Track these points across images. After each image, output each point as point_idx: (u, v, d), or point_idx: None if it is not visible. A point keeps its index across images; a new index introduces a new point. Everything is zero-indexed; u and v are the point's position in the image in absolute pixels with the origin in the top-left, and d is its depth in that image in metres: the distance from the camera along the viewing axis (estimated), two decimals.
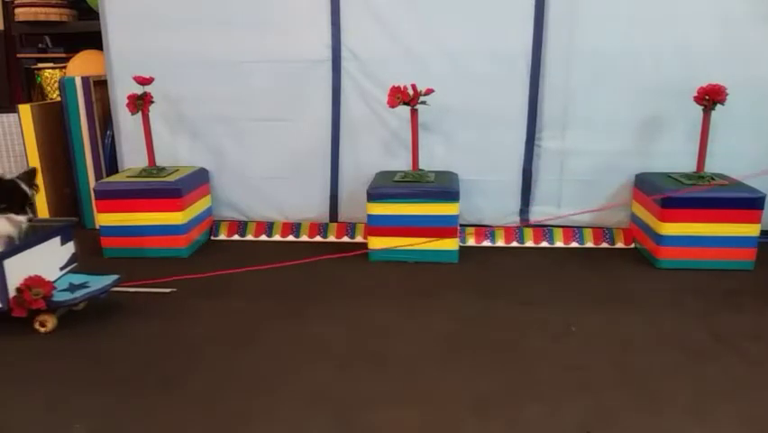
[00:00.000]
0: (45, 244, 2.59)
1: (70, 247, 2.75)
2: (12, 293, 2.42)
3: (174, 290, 2.92)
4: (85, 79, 3.73)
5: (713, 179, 3.11)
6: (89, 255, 3.40)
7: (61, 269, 2.69)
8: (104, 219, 3.37)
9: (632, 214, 3.46)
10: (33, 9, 4.39)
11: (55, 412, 1.96)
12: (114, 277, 2.72)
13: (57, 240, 2.66)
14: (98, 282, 2.65)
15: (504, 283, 2.94)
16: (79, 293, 2.54)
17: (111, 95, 3.75)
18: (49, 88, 4.60)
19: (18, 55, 4.75)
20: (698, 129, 3.14)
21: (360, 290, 2.91)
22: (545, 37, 3.35)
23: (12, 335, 2.47)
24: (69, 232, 2.75)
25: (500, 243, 3.51)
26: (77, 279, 2.68)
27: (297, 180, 3.71)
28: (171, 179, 3.39)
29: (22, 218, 2.45)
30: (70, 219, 2.83)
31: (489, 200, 3.58)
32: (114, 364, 2.26)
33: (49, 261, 2.61)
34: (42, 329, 2.48)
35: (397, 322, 2.55)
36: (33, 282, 2.44)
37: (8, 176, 2.47)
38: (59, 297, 2.50)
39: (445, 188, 3.19)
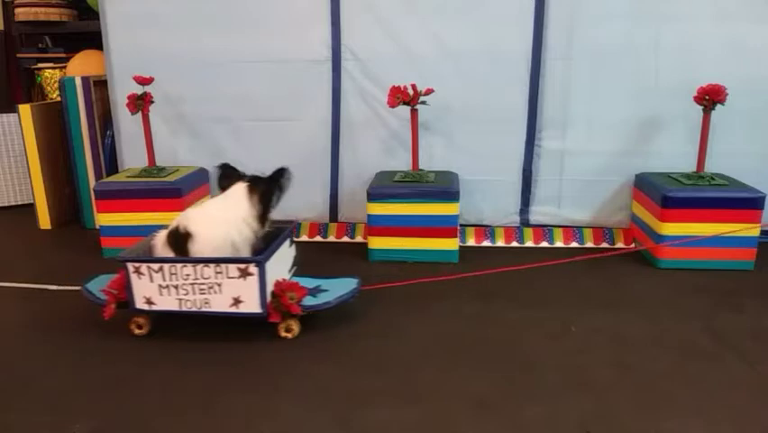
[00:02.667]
0: (283, 246, 2.51)
1: (293, 250, 2.69)
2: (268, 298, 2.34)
3: None
4: (85, 79, 3.73)
5: (713, 179, 3.11)
6: (89, 255, 3.41)
7: (288, 271, 2.62)
8: (104, 219, 3.37)
9: (632, 214, 3.46)
10: (33, 9, 4.39)
11: None
12: (355, 281, 2.60)
13: (287, 242, 2.60)
14: (336, 286, 2.54)
15: (504, 283, 2.94)
16: (328, 298, 2.45)
17: (111, 95, 3.76)
18: (49, 88, 4.60)
19: (18, 55, 4.76)
20: (698, 129, 3.14)
21: (359, 289, 2.91)
22: (545, 37, 3.35)
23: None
24: (293, 234, 2.69)
25: (500, 243, 3.51)
26: (307, 282, 2.55)
27: (297, 180, 3.68)
28: (171, 179, 3.39)
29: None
30: (292, 221, 2.72)
31: (488, 200, 3.58)
32: (115, 364, 2.26)
33: (284, 264, 2.56)
34: (289, 334, 2.40)
35: (397, 322, 2.55)
36: (289, 287, 2.39)
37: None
38: (308, 302, 2.42)
39: (445, 188, 3.19)
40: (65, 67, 4.44)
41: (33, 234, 3.87)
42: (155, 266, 2.30)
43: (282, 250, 2.50)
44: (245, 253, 2.40)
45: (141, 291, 2.34)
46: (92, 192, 3.62)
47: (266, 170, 2.58)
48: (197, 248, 2.34)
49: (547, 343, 2.35)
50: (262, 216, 2.43)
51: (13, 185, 4.43)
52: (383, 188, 3.23)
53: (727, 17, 3.22)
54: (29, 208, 4.08)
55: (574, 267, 3.14)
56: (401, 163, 3.53)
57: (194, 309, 2.33)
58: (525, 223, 3.60)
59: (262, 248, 2.43)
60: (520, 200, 3.58)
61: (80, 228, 3.92)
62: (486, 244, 3.52)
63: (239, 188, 2.47)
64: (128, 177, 3.47)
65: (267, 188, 2.46)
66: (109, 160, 3.88)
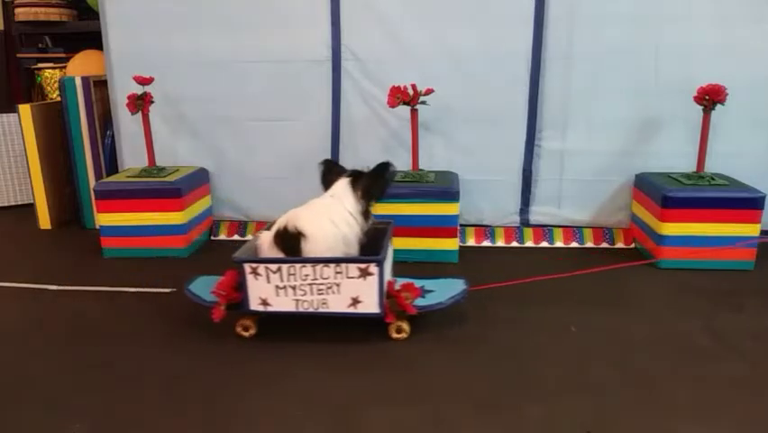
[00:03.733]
0: (390, 246, 2.47)
1: (392, 249, 2.62)
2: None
3: (174, 289, 2.92)
4: (85, 79, 3.73)
5: (713, 179, 3.11)
6: (89, 255, 3.41)
7: (390, 271, 2.57)
8: (104, 219, 3.37)
9: (632, 214, 3.46)
10: (33, 9, 4.39)
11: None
12: (461, 281, 2.55)
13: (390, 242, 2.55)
14: (442, 287, 2.49)
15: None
16: (439, 298, 2.40)
17: (111, 95, 3.76)
18: (49, 88, 4.60)
19: (18, 55, 4.76)
20: (698, 129, 3.14)
21: None
22: (545, 37, 3.35)
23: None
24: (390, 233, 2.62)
25: (500, 243, 3.51)
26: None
27: (297, 180, 3.70)
28: (171, 179, 3.39)
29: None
30: (389, 221, 2.64)
31: (488, 200, 3.58)
32: (115, 364, 2.26)
33: (389, 263, 2.50)
34: (400, 336, 2.36)
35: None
36: (405, 287, 2.36)
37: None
38: (419, 302, 2.37)
39: (445, 188, 3.19)
40: (65, 67, 4.44)
41: (33, 234, 3.87)
42: (273, 267, 2.27)
43: (390, 249, 2.47)
44: (354, 250, 2.36)
45: (256, 292, 2.32)
46: (92, 192, 3.62)
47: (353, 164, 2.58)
48: (311, 248, 2.30)
49: (547, 343, 2.35)
50: (366, 212, 2.38)
51: (13, 185, 4.43)
52: None
53: (727, 17, 3.22)
54: (29, 208, 4.08)
55: (574, 267, 3.14)
56: (401, 163, 3.53)
57: (311, 310, 2.31)
58: (525, 223, 3.60)
59: (364, 244, 2.37)
60: (520, 200, 3.58)
61: (80, 228, 3.92)
62: (486, 244, 3.52)
63: (342, 184, 2.43)
64: (128, 177, 3.47)
65: (369, 183, 2.39)
66: (109, 160, 3.88)
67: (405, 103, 3.19)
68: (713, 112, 3.08)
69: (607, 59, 3.33)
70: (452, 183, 3.27)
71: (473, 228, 3.57)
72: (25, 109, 3.77)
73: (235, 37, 3.55)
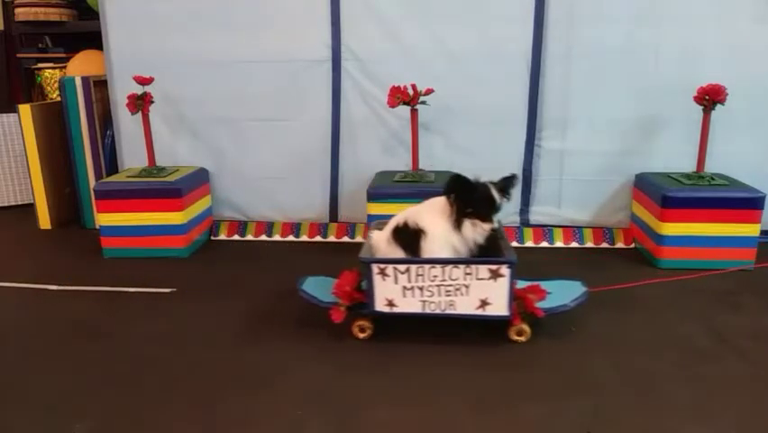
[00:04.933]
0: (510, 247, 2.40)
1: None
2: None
3: (174, 289, 2.92)
4: (85, 79, 3.73)
5: (713, 179, 3.11)
6: (89, 255, 3.41)
7: None
8: (104, 219, 3.37)
9: (632, 214, 3.46)
10: (33, 9, 4.39)
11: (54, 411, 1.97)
12: (578, 283, 2.50)
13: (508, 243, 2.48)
14: (559, 288, 2.43)
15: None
16: (562, 300, 2.36)
17: (111, 95, 3.76)
18: (49, 88, 4.60)
19: (18, 55, 4.76)
20: (698, 129, 3.14)
21: None
22: (545, 37, 3.35)
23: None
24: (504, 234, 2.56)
25: None
26: (524, 284, 2.44)
27: (297, 180, 3.71)
28: (171, 179, 3.39)
29: (486, 226, 2.28)
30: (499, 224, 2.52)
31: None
32: (115, 364, 2.26)
33: None
34: (521, 338, 2.32)
35: (398, 322, 2.54)
36: (531, 289, 2.33)
37: (482, 180, 2.30)
38: (543, 304, 2.33)
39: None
40: (65, 67, 4.44)
41: (33, 234, 3.87)
42: (402, 267, 2.24)
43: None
44: (464, 255, 2.31)
45: (383, 293, 2.28)
46: (92, 192, 3.62)
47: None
48: (429, 246, 2.28)
49: (547, 343, 2.34)
50: (457, 221, 2.29)
51: (13, 185, 4.43)
52: (383, 188, 3.23)
53: (727, 17, 3.22)
54: (29, 208, 4.08)
55: (574, 266, 3.14)
56: (401, 163, 3.53)
57: (437, 312, 2.28)
58: (525, 223, 3.60)
59: (484, 246, 2.33)
60: (520, 200, 3.58)
61: (80, 228, 3.92)
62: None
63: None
64: (128, 177, 3.47)
65: (460, 195, 2.28)
66: (109, 160, 3.88)
67: (405, 103, 3.19)
68: (713, 112, 3.08)
69: (607, 59, 3.33)
70: None
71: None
72: (25, 109, 3.77)
73: (235, 37, 3.55)
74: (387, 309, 2.30)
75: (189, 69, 3.62)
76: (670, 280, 2.82)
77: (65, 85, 3.73)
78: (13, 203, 4.44)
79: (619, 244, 3.45)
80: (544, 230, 3.54)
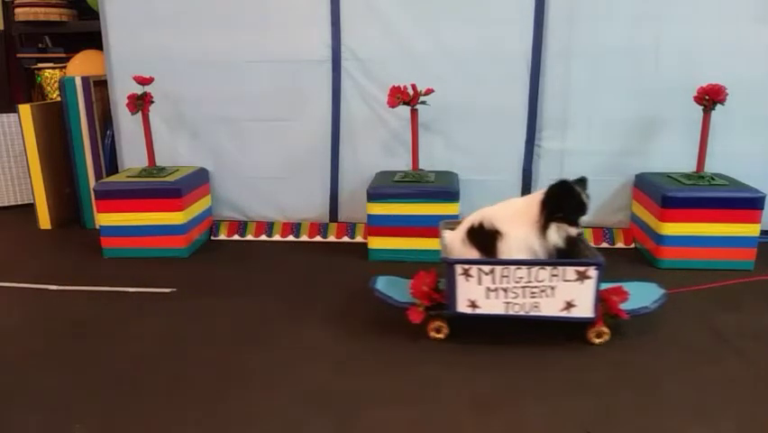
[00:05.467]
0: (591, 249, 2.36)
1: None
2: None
3: (174, 289, 2.92)
4: (85, 79, 3.73)
5: (713, 179, 3.11)
6: (89, 255, 3.41)
7: None
8: (104, 219, 3.37)
9: (632, 214, 3.46)
10: (33, 9, 4.38)
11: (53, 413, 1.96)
12: (654, 284, 2.50)
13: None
14: (635, 289, 2.38)
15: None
16: (643, 302, 2.34)
17: (111, 95, 3.76)
18: (49, 88, 4.60)
19: (18, 55, 4.75)
20: (698, 129, 3.14)
21: (359, 289, 2.90)
22: (545, 37, 3.35)
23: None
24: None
25: None
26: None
27: (297, 180, 3.71)
28: (171, 179, 3.39)
29: (573, 230, 2.26)
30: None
31: (488, 200, 3.56)
32: (115, 364, 2.26)
33: None
34: (599, 340, 2.30)
35: (398, 322, 2.55)
36: (614, 290, 2.31)
37: (570, 181, 2.27)
38: (625, 306, 2.31)
39: (445, 188, 3.20)
40: (65, 67, 4.44)
41: (33, 234, 3.87)
42: (486, 268, 2.22)
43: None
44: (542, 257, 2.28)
45: (465, 294, 2.26)
46: (92, 192, 3.62)
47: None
48: (507, 248, 2.26)
49: (547, 343, 2.34)
50: (543, 227, 2.27)
51: (13, 185, 4.43)
52: (383, 188, 3.23)
53: (727, 17, 3.22)
54: (29, 208, 4.08)
55: None
56: (401, 163, 3.53)
57: (521, 313, 2.25)
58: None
59: (565, 249, 2.31)
60: None
61: (80, 228, 3.92)
62: None
63: (538, 195, 2.33)
64: (128, 177, 3.47)
65: (548, 200, 2.26)
66: (109, 160, 3.88)
67: (405, 103, 3.19)
68: (713, 112, 3.08)
69: (607, 59, 3.33)
70: (452, 183, 3.27)
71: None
72: (25, 109, 3.76)
73: (235, 37, 3.55)
74: (469, 311, 2.27)
75: (189, 68, 3.62)
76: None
77: (65, 85, 3.73)
78: (13, 203, 4.44)
79: (619, 244, 3.45)
80: None
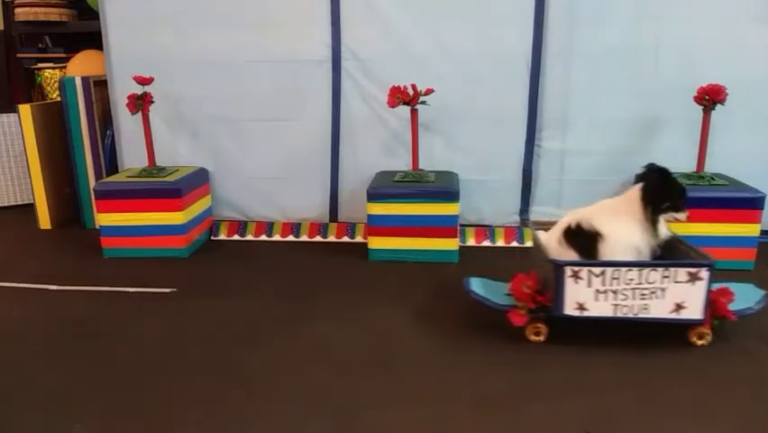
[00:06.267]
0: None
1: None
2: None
3: (174, 289, 2.92)
4: (85, 79, 3.73)
5: (713, 179, 3.11)
6: (89, 255, 3.41)
7: None
8: (104, 219, 3.37)
9: None
10: (33, 9, 4.39)
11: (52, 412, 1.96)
12: (751, 284, 2.46)
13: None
14: (738, 291, 2.33)
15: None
16: (747, 303, 2.31)
17: (111, 95, 3.76)
18: (49, 88, 4.60)
19: (18, 55, 4.75)
20: (698, 129, 3.14)
21: (360, 290, 2.91)
22: (545, 37, 3.35)
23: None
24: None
25: (500, 243, 3.51)
26: None
27: (297, 180, 3.71)
28: (171, 179, 3.39)
29: (682, 216, 2.26)
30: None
31: (489, 200, 3.58)
32: (115, 364, 2.26)
33: None
34: (702, 342, 2.28)
35: (398, 322, 2.55)
36: (722, 292, 2.27)
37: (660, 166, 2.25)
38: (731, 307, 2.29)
39: (445, 188, 3.20)
40: (65, 67, 4.44)
41: (33, 234, 3.87)
42: (596, 270, 2.20)
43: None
44: (646, 258, 2.29)
45: (574, 296, 2.23)
46: (92, 192, 3.62)
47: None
48: (609, 251, 2.25)
49: (547, 342, 2.34)
50: (653, 221, 2.28)
51: (13, 185, 4.43)
52: (383, 188, 3.23)
53: (727, 17, 3.22)
54: (29, 208, 4.08)
55: None
56: (401, 163, 3.53)
57: (629, 315, 2.23)
58: (525, 223, 3.60)
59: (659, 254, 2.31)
60: (520, 200, 3.58)
61: (80, 228, 3.92)
62: (486, 243, 3.51)
63: (636, 189, 2.33)
64: (128, 177, 3.47)
65: (651, 190, 2.27)
66: (109, 160, 3.88)
67: (405, 103, 3.19)
68: (713, 112, 3.08)
69: (607, 59, 3.33)
70: (452, 183, 3.27)
71: (473, 228, 3.57)
72: (25, 109, 3.76)
73: (235, 37, 3.55)
74: (577, 313, 2.25)
75: (189, 68, 3.62)
76: None
77: (65, 85, 3.73)
78: (13, 203, 4.44)
79: None
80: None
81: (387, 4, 3.42)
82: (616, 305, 2.23)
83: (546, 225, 2.50)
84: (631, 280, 2.19)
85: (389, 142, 3.58)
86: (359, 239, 3.59)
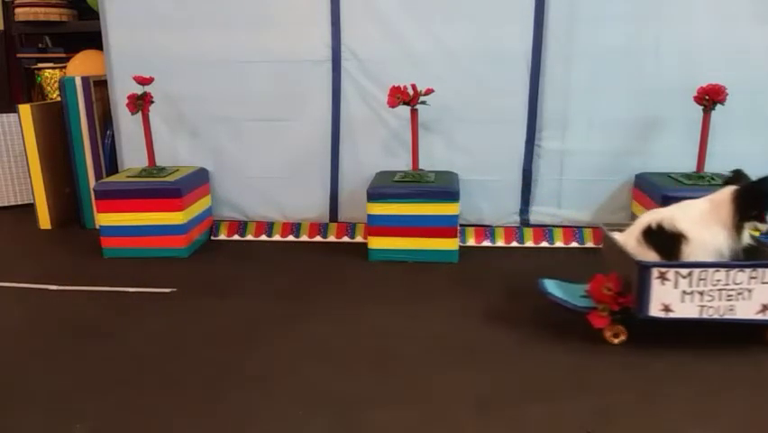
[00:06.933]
0: None
1: None
2: None
3: (174, 289, 2.92)
4: (85, 79, 3.73)
5: (713, 179, 3.11)
6: (89, 255, 3.41)
7: None
8: (104, 219, 3.37)
9: (632, 214, 3.46)
10: (33, 9, 4.39)
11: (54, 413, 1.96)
12: None
13: None
14: None
15: (504, 283, 2.94)
16: None
17: (111, 95, 3.76)
18: (49, 88, 4.60)
19: (18, 55, 4.75)
20: (698, 129, 3.14)
21: (360, 290, 2.91)
22: (545, 37, 3.35)
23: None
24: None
25: (500, 243, 3.51)
26: None
27: (297, 180, 3.71)
28: (171, 179, 3.39)
29: (763, 226, 2.23)
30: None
31: (489, 200, 3.58)
32: (115, 364, 2.26)
33: None
34: None
35: (398, 322, 2.55)
36: None
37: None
38: None
39: (445, 188, 3.20)
40: (65, 67, 4.44)
41: (33, 234, 3.87)
42: (684, 271, 2.18)
43: None
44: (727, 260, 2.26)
45: (660, 298, 2.21)
46: (92, 192, 3.62)
47: None
48: (691, 252, 2.22)
49: (548, 342, 2.34)
50: (738, 228, 2.24)
51: (13, 185, 4.43)
52: (383, 188, 3.23)
53: (727, 17, 3.22)
54: (29, 208, 4.08)
55: (574, 266, 3.14)
56: (401, 163, 3.53)
57: (715, 317, 2.21)
58: (525, 223, 3.60)
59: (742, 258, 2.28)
60: (520, 200, 3.58)
61: (80, 228, 3.92)
62: (486, 243, 3.52)
63: (725, 192, 2.29)
64: (128, 177, 3.47)
65: (743, 197, 2.22)
66: (109, 160, 3.88)
67: (405, 103, 3.19)
68: (713, 112, 3.08)
69: (607, 59, 3.33)
70: (452, 183, 3.27)
71: (473, 228, 3.57)
72: (25, 109, 3.76)
73: (235, 37, 3.55)
74: (662, 315, 2.23)
75: (189, 68, 3.62)
76: None
77: (65, 85, 3.73)
78: (13, 203, 4.44)
79: None
80: (544, 230, 3.54)
81: (387, 4, 3.42)
82: (702, 306, 2.21)
83: (618, 226, 2.49)
84: (718, 281, 2.18)
85: (389, 142, 3.58)
86: (359, 239, 3.59)
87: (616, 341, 2.33)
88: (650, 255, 2.27)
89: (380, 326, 2.53)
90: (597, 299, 2.32)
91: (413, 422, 1.88)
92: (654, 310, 2.23)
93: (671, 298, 2.21)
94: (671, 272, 2.19)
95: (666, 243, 2.25)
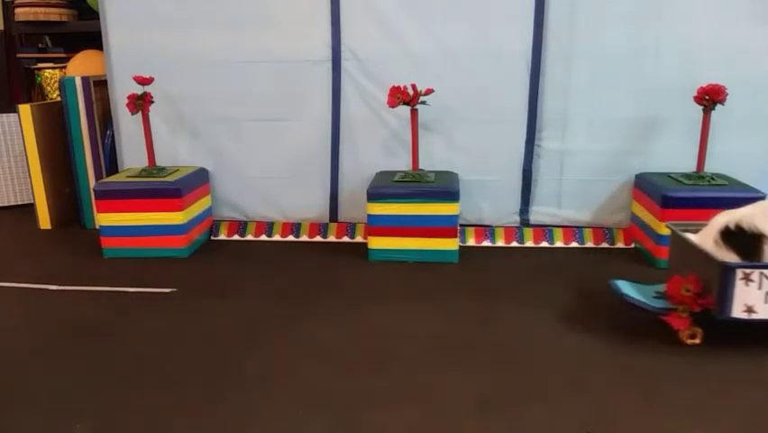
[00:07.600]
0: None
1: None
2: None
3: (174, 289, 2.92)
4: (85, 79, 3.73)
5: (713, 179, 3.11)
6: (89, 255, 3.41)
7: None
8: (104, 219, 3.37)
9: (632, 214, 3.46)
10: (33, 9, 4.38)
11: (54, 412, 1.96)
12: None
13: None
14: None
15: (504, 283, 2.94)
16: None
17: (111, 95, 3.75)
18: (49, 88, 4.60)
19: (18, 55, 4.75)
20: (698, 129, 3.14)
21: (360, 290, 2.91)
22: (545, 37, 3.35)
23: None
24: None
25: (500, 243, 3.51)
26: None
27: (297, 180, 3.71)
28: (171, 179, 3.39)
29: None
30: None
31: (489, 200, 3.58)
32: (115, 364, 2.26)
33: None
34: None
35: (398, 322, 2.55)
36: None
37: None
38: None
39: (445, 188, 3.20)
40: (65, 67, 4.44)
41: (33, 234, 3.87)
42: None
43: None
44: None
45: (743, 299, 2.20)
46: (92, 192, 3.62)
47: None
48: None
49: (548, 342, 2.34)
50: None
51: (13, 185, 4.43)
52: (383, 188, 3.23)
53: (727, 17, 3.22)
54: (29, 208, 4.08)
55: (575, 266, 3.15)
56: (401, 163, 3.53)
57: None
58: (525, 223, 3.60)
59: None
60: (520, 200, 3.58)
61: (80, 228, 3.92)
62: (486, 243, 3.52)
63: None
64: (128, 177, 3.47)
65: None
66: (109, 160, 3.88)
67: (405, 103, 3.19)
68: (713, 112, 3.08)
69: (607, 59, 3.33)
70: (452, 183, 3.27)
71: (473, 228, 3.57)
72: (25, 109, 3.76)
73: (235, 37, 3.55)
74: (745, 316, 2.22)
75: (189, 68, 3.62)
76: None
77: (65, 85, 3.73)
78: (13, 203, 4.43)
79: (619, 244, 3.45)
80: (544, 230, 3.54)
81: (387, 4, 3.42)
82: None
83: (689, 227, 2.47)
84: None
85: (389, 142, 3.58)
86: (359, 239, 3.59)
87: (690, 342, 2.31)
88: (727, 256, 2.25)
89: (380, 326, 2.53)
90: (677, 300, 2.30)
91: (413, 422, 1.88)
92: (737, 312, 2.22)
93: (754, 299, 2.20)
94: (755, 273, 2.18)
95: (746, 243, 2.24)
